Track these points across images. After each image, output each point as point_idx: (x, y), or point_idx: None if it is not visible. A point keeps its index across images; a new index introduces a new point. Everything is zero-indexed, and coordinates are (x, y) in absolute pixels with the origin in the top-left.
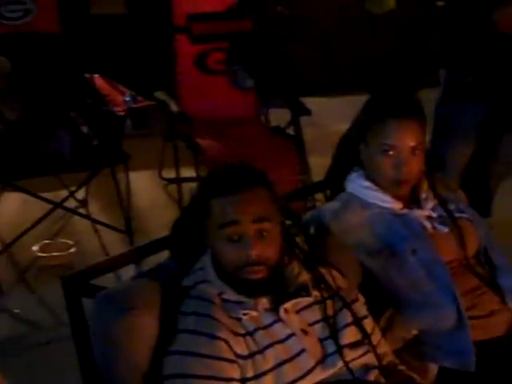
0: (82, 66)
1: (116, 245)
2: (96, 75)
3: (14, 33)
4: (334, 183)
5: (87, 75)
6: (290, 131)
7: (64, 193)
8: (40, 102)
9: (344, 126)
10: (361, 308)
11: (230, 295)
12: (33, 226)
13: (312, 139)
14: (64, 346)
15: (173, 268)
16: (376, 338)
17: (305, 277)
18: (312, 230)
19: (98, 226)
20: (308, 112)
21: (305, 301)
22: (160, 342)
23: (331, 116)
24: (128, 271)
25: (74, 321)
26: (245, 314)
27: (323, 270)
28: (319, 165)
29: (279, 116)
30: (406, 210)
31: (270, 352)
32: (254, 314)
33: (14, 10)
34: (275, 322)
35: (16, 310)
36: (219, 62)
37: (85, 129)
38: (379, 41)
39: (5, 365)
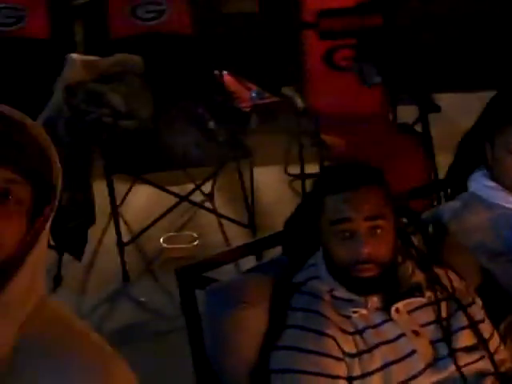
0: (212, 63)
1: (239, 239)
2: (225, 72)
3: (147, 33)
4: (456, 182)
5: (216, 72)
6: (418, 128)
7: (190, 186)
8: (171, 100)
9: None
10: (477, 311)
11: (341, 292)
12: (160, 219)
13: (440, 136)
14: (184, 335)
15: (285, 264)
16: (494, 343)
17: (419, 277)
18: (430, 229)
19: (222, 220)
20: (437, 109)
21: (417, 301)
22: (268, 336)
23: (461, 112)
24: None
25: (187, 312)
26: (355, 312)
27: (439, 271)
28: (447, 163)
29: (407, 112)
30: None
31: (378, 351)
32: (364, 312)
33: (150, 10)
34: (385, 321)
35: (141, 299)
36: (347, 58)
37: (211, 124)
38: None
39: (126, 351)
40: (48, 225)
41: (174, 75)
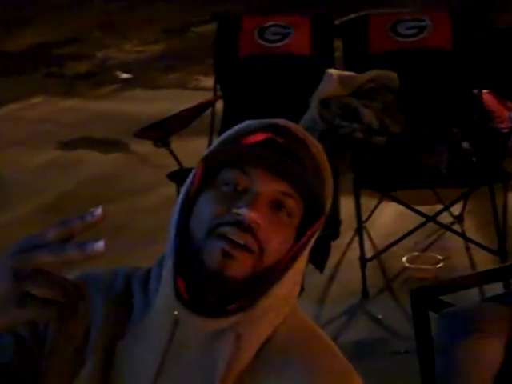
0: (472, 81)
1: (486, 265)
2: (485, 90)
3: (406, 49)
4: None
5: (475, 90)
6: None
7: (438, 207)
8: (425, 117)
9: None
10: None
11: None
12: (405, 237)
13: None
14: (417, 357)
15: None
16: None
17: None
18: None
19: (470, 244)
20: None
21: None
22: (503, 371)
23: None
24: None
25: (419, 334)
26: None
27: None
28: None
29: None
30: None
31: None
32: None
33: (411, 26)
34: None
35: (379, 316)
36: None
37: (465, 144)
38: None
39: (360, 367)
40: (313, 239)
41: (429, 92)
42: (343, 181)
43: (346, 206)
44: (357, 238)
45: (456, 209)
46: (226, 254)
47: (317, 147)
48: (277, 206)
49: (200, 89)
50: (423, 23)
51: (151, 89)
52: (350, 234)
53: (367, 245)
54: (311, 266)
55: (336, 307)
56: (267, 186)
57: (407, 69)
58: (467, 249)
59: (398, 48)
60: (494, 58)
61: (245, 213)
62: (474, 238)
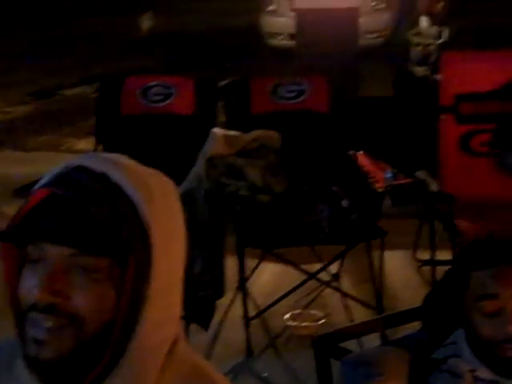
0: (348, 143)
1: None
2: (360, 152)
3: (286, 111)
4: None
5: (351, 152)
6: None
7: (317, 265)
8: (305, 176)
9: None
10: None
11: (484, 373)
12: (287, 295)
13: None
14: None
15: (422, 340)
16: None
17: None
18: None
19: (349, 301)
20: None
21: None
22: None
23: None
24: (371, 340)
25: (322, 382)
26: None
27: None
28: None
29: None
30: None
31: None
32: None
33: (291, 90)
34: None
35: (264, 374)
36: (484, 143)
37: (345, 203)
38: None
39: None
40: (134, 286)
41: (309, 152)
42: (226, 239)
43: (228, 264)
44: (239, 297)
45: (334, 267)
46: (37, 342)
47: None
48: (74, 268)
49: (73, 151)
50: (302, 87)
51: (21, 151)
52: (233, 292)
53: (250, 303)
54: (196, 325)
55: (221, 366)
56: (55, 254)
57: (288, 129)
58: (346, 305)
59: (279, 109)
60: (364, 122)
61: (36, 294)
62: (353, 294)
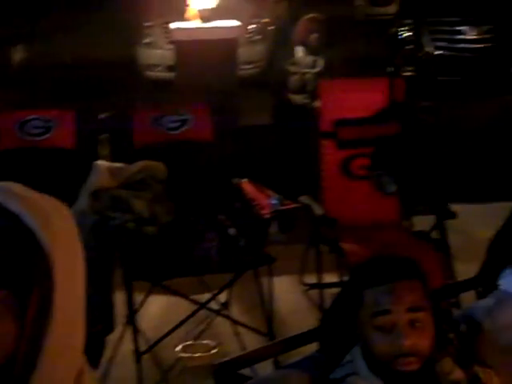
0: (231, 171)
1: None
2: (244, 180)
3: (171, 141)
4: (487, 280)
5: (235, 180)
6: (435, 236)
7: (207, 294)
8: (192, 206)
9: (489, 234)
10: None
11: None
12: (177, 327)
13: (456, 246)
14: None
15: (320, 360)
16: None
17: (458, 374)
18: (463, 328)
19: (240, 329)
20: (453, 215)
21: None
22: None
23: (475, 223)
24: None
25: None
26: None
27: (478, 369)
28: (462, 272)
29: (423, 221)
30: None
31: None
32: None
33: (174, 120)
34: None
35: None
36: (363, 167)
37: (232, 231)
38: None
39: None
40: (36, 317)
41: (195, 181)
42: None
43: (117, 298)
44: (129, 332)
45: (224, 295)
46: None
47: None
48: None
49: None
50: (185, 117)
51: None
52: (122, 327)
53: (140, 338)
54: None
55: None
56: None
57: (173, 160)
58: (238, 333)
59: (163, 140)
60: (247, 150)
61: None
62: (243, 321)
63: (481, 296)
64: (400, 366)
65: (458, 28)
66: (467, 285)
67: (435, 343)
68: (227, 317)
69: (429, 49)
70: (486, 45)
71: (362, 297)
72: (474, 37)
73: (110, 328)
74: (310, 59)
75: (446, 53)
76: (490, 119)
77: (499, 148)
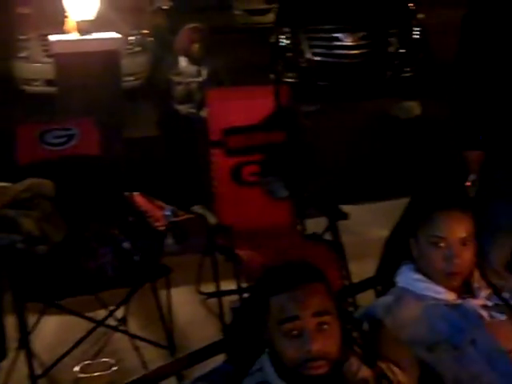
0: (122, 185)
1: (158, 362)
2: (136, 193)
3: (57, 158)
4: (385, 278)
5: (127, 193)
6: (328, 237)
7: (103, 311)
8: (83, 222)
9: (381, 232)
10: None
11: None
12: (74, 347)
13: (348, 246)
14: None
15: (229, 371)
16: None
17: (365, 373)
18: (365, 326)
19: (140, 343)
20: (345, 216)
21: None
22: None
23: (366, 223)
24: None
25: None
26: None
27: (383, 366)
28: (356, 271)
29: (316, 223)
30: (460, 301)
31: None
32: None
33: (59, 135)
34: None
35: None
36: (254, 173)
37: (126, 245)
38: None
39: None
40: None
41: (84, 197)
42: (4, 296)
43: (8, 322)
44: (23, 356)
45: (121, 311)
46: None
47: None
48: None
49: None
50: (71, 132)
51: None
52: (14, 352)
53: (35, 361)
54: None
55: None
56: None
57: (60, 176)
58: (137, 348)
59: (49, 157)
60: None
61: None
62: (142, 336)
63: (380, 294)
64: (309, 371)
65: (334, 35)
66: (367, 284)
67: (341, 344)
68: (125, 332)
69: (308, 55)
70: (362, 51)
71: (268, 304)
72: (351, 43)
73: (3, 354)
74: (193, 69)
75: (325, 59)
76: (368, 120)
77: (381, 147)
